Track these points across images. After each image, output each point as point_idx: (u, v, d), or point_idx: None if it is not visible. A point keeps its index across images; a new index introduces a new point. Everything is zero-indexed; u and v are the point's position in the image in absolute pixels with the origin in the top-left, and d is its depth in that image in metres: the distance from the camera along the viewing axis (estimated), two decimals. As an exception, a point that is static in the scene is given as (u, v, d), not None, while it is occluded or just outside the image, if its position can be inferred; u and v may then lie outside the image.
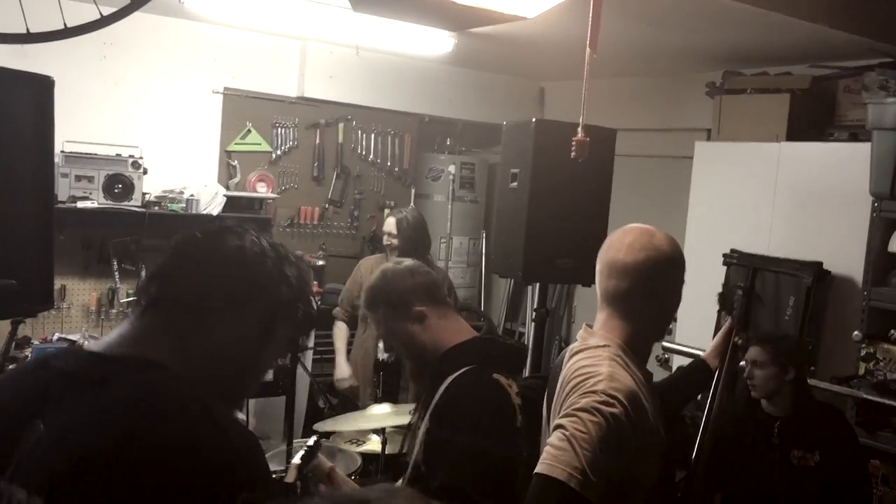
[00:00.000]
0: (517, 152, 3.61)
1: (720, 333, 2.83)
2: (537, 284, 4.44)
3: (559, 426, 1.71)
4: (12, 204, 2.19)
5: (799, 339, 3.58)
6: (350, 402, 4.21)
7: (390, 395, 3.69)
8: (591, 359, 1.80)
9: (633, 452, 1.71)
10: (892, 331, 3.51)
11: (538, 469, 1.67)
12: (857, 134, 4.00)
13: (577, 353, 1.85)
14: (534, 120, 3.54)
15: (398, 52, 5.05)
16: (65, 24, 1.93)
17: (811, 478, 3.01)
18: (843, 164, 3.89)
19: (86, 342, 3.88)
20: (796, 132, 4.20)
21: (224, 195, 4.68)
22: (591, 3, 1.65)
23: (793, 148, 4.15)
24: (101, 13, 1.94)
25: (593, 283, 3.68)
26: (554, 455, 1.66)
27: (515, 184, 3.58)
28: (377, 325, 2.15)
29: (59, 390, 1.11)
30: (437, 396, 1.95)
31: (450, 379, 1.96)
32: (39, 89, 2.25)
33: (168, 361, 1.16)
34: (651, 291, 1.84)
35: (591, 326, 1.91)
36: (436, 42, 4.53)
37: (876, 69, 3.62)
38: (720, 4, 3.24)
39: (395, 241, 4.24)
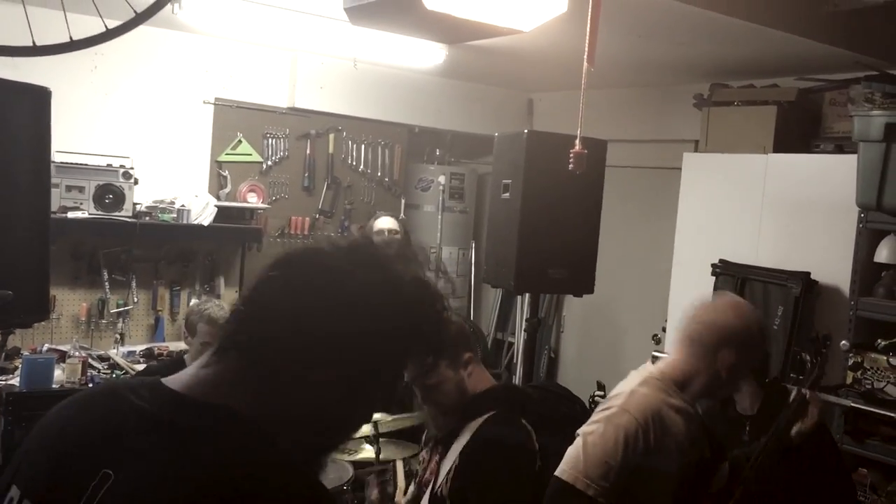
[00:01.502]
0: (509, 163, 3.64)
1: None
2: (527, 294, 4.49)
3: (577, 434, 2.00)
4: (9, 214, 2.19)
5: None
6: None
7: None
8: (627, 381, 2.12)
9: (642, 461, 1.90)
10: (880, 340, 3.55)
11: (556, 471, 1.92)
12: (842, 146, 4.05)
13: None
14: (525, 131, 3.57)
15: (389, 63, 5.07)
16: (70, 38, 1.94)
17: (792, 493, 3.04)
18: (830, 175, 3.94)
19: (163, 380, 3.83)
20: (783, 144, 4.25)
21: (215, 205, 4.69)
22: (589, 18, 1.68)
23: (780, 159, 4.20)
24: (106, 26, 1.95)
25: (585, 293, 3.72)
26: (566, 459, 1.93)
27: (507, 194, 3.61)
28: (419, 374, 2.09)
29: (136, 433, 0.98)
30: (466, 436, 2.02)
31: (479, 421, 2.03)
32: (37, 100, 2.26)
33: (252, 414, 0.99)
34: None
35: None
36: (427, 54, 4.57)
37: (861, 82, 3.66)
38: (708, 18, 3.28)
39: (395, 239, 4.25)
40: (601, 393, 3.91)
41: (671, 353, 2.21)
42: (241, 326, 1.04)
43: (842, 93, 4.14)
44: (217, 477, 0.92)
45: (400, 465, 2.22)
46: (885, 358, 3.47)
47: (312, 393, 1.01)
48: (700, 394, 2.17)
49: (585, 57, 1.68)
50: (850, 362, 3.56)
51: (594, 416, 2.03)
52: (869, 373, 3.52)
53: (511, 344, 6.19)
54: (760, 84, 4.55)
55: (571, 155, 1.85)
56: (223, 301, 4.84)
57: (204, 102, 4.96)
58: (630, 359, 5.35)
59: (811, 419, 2.63)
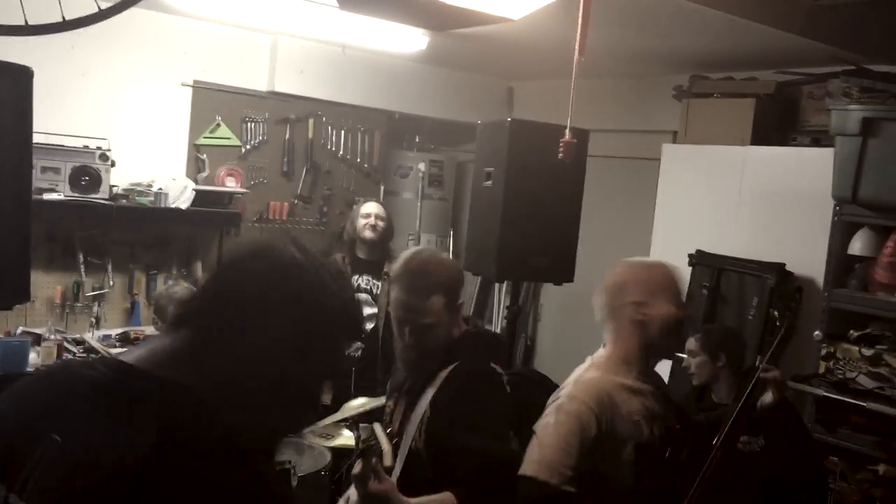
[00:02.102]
0: (491, 151, 3.65)
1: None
2: (505, 283, 4.51)
3: (533, 430, 2.01)
4: (-9, 196, 2.17)
5: (728, 328, 3.70)
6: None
7: (367, 391, 3.71)
8: (574, 372, 2.16)
9: (599, 444, 1.90)
10: (852, 331, 3.62)
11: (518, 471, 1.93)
12: (819, 139, 4.11)
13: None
14: (508, 120, 3.58)
15: (371, 48, 5.05)
16: (63, 17, 1.92)
17: (757, 461, 3.11)
18: (806, 168, 4.00)
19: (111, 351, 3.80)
20: (761, 136, 4.30)
21: (193, 189, 4.65)
22: (581, 9, 1.69)
23: (757, 151, 4.25)
24: (99, 7, 1.93)
25: (565, 281, 3.74)
26: (526, 458, 1.95)
27: (489, 182, 3.62)
28: (413, 307, 2.12)
29: (83, 400, 1.07)
30: (436, 384, 2.02)
31: (448, 369, 2.03)
32: (18, 80, 2.24)
33: (195, 383, 1.10)
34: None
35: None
36: (410, 40, 4.55)
37: (840, 76, 3.72)
38: (690, 9, 3.31)
39: (381, 224, 4.31)
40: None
41: (608, 339, 2.23)
42: (190, 306, 1.22)
43: (819, 87, 4.20)
44: (154, 443, 1.00)
45: (379, 428, 2.22)
46: (857, 349, 3.54)
47: (245, 353, 1.13)
48: (645, 356, 2.17)
49: (577, 47, 1.69)
50: (823, 352, 3.63)
51: (546, 410, 2.04)
52: (841, 363, 3.58)
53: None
54: (740, 76, 4.60)
55: (561, 144, 1.86)
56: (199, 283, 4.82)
57: (182, 85, 4.91)
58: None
59: (773, 394, 2.71)
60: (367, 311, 4.26)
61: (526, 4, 1.93)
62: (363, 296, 4.32)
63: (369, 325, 4.25)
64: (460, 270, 2.30)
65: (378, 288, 4.33)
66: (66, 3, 1.94)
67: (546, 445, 1.94)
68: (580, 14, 1.69)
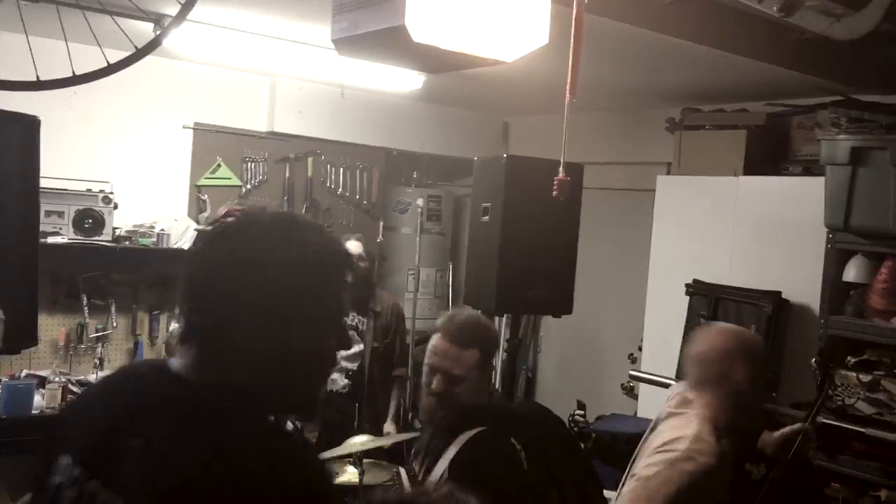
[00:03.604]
0: (488, 187, 3.71)
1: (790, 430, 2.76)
2: (505, 316, 4.54)
3: (635, 476, 2.03)
4: (0, 243, 2.22)
5: None
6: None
7: (348, 428, 3.77)
8: (677, 425, 2.15)
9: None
10: (849, 357, 3.65)
11: None
12: (810, 168, 4.17)
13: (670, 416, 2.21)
14: (505, 156, 3.65)
15: (368, 88, 5.14)
16: (73, 72, 1.98)
17: (759, 490, 3.13)
18: (799, 197, 4.06)
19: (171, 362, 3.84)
20: (753, 166, 4.37)
21: (195, 230, 4.70)
22: (571, 51, 1.75)
23: (750, 182, 4.32)
24: (107, 61, 1.99)
25: (564, 313, 3.77)
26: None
27: (487, 217, 3.68)
28: (451, 358, 2.17)
29: (155, 409, 1.18)
30: (453, 449, 2.06)
31: (472, 433, 2.06)
32: (26, 129, 2.30)
33: (220, 383, 1.18)
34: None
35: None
36: (406, 80, 4.64)
37: (828, 107, 3.79)
38: (678, 45, 3.39)
39: (362, 263, 4.32)
40: (581, 412, 3.98)
41: (695, 398, 2.22)
42: (190, 306, 1.24)
43: (809, 117, 4.28)
44: (220, 447, 1.11)
45: (404, 473, 2.26)
46: (854, 374, 3.57)
47: (251, 347, 1.18)
48: (731, 421, 2.19)
49: (568, 88, 1.76)
50: (819, 379, 3.65)
51: (652, 458, 2.04)
52: (840, 389, 3.61)
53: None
54: (730, 108, 4.68)
55: (555, 182, 1.91)
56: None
57: (183, 127, 4.99)
58: (607, 378, 5.43)
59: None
60: (354, 348, 4.31)
61: (519, 48, 1.99)
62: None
63: (355, 364, 4.29)
64: (498, 336, 2.36)
65: (364, 324, 4.36)
66: (74, 53, 2.01)
67: (655, 498, 1.95)
68: (570, 56, 1.75)
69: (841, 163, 3.57)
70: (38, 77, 2.00)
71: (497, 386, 5.21)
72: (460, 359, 2.17)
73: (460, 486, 1.99)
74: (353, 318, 4.37)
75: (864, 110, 3.60)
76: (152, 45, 2.06)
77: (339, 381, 4.23)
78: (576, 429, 3.60)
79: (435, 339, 2.22)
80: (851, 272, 3.74)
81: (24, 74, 2.10)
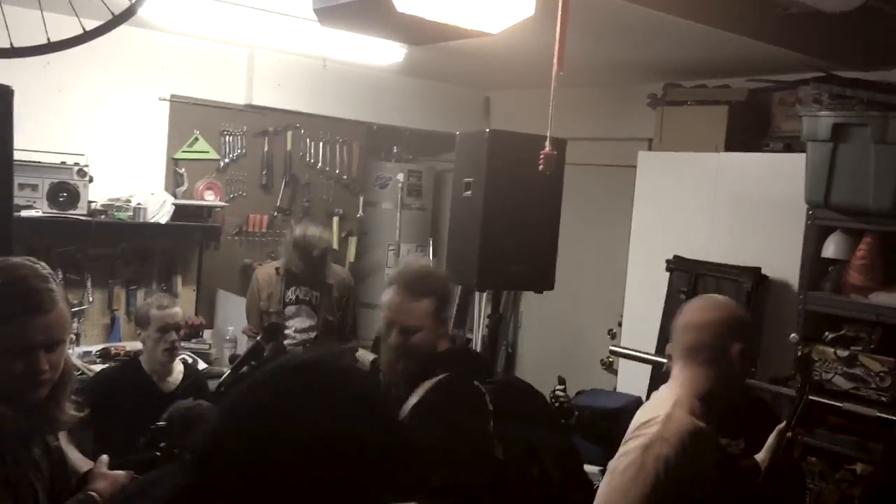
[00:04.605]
0: (471, 162, 3.68)
1: (773, 434, 2.67)
2: (486, 291, 4.54)
3: (610, 468, 1.96)
4: (-28, 215, 2.16)
5: None
6: None
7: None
8: (654, 404, 2.08)
9: (675, 488, 1.89)
10: (827, 333, 3.68)
11: None
12: (791, 144, 4.18)
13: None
14: (487, 130, 3.62)
15: (348, 61, 5.07)
16: (48, 39, 1.92)
17: (738, 465, 3.15)
18: (779, 173, 4.07)
19: None
20: (734, 142, 4.37)
21: (172, 203, 4.64)
22: (559, 23, 1.73)
23: (731, 158, 4.32)
24: (83, 28, 1.94)
25: (545, 289, 3.76)
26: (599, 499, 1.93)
27: (469, 192, 3.66)
28: (404, 310, 2.16)
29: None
30: (418, 394, 2.04)
31: (433, 381, 2.04)
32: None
33: None
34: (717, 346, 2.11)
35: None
36: (387, 52, 4.58)
37: (810, 83, 3.79)
38: (663, 19, 3.36)
39: (320, 244, 4.27)
40: (562, 388, 3.98)
41: (680, 370, 2.15)
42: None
43: (790, 93, 4.28)
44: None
45: (362, 353, 2.27)
46: (832, 350, 3.60)
47: None
48: (721, 396, 2.13)
49: (556, 61, 1.73)
50: (800, 355, 3.68)
51: (625, 447, 1.97)
52: (817, 364, 3.64)
53: (469, 340, 6.24)
54: (712, 84, 4.67)
55: (541, 156, 1.89)
56: (180, 299, 4.82)
57: (160, 99, 4.91)
58: (587, 354, 5.44)
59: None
60: (307, 321, 4.30)
61: (504, 19, 1.96)
62: (300, 307, 4.35)
63: (312, 335, 4.30)
64: (452, 285, 2.34)
65: (317, 298, 4.35)
66: (49, 23, 1.95)
67: (631, 490, 1.88)
68: (557, 29, 1.73)
69: (822, 139, 3.58)
70: (11, 44, 1.94)
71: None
72: (414, 309, 2.16)
73: (422, 430, 1.98)
74: (306, 293, 4.35)
75: (846, 86, 3.60)
76: (129, 13, 2.01)
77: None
78: (556, 404, 3.59)
79: (388, 293, 2.21)
80: (830, 248, 3.75)
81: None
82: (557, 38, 1.70)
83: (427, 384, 2.07)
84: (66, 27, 2.07)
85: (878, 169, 3.42)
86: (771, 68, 4.29)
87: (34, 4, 2.08)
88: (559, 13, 1.71)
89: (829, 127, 3.54)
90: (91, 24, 1.94)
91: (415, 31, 2.10)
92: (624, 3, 3.14)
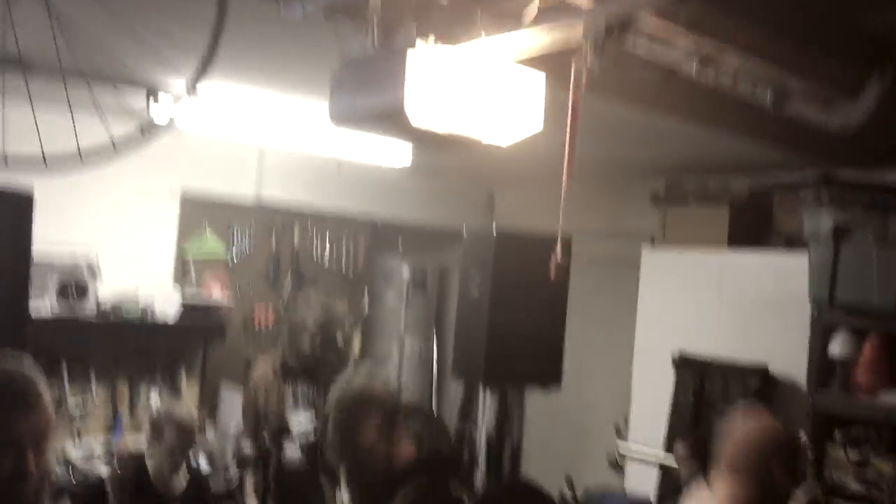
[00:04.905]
0: (477, 260, 3.72)
1: None
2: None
3: None
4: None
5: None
6: None
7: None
8: None
9: None
10: (837, 433, 3.65)
11: None
12: (793, 243, 4.24)
13: None
14: (495, 232, 3.68)
15: (358, 163, 5.16)
16: (80, 154, 1.98)
17: None
18: (783, 271, 4.10)
19: None
20: (737, 240, 4.43)
21: (181, 304, 4.63)
22: (567, 138, 1.79)
23: (734, 256, 4.37)
24: (113, 144, 2.00)
25: (552, 386, 3.74)
26: None
27: (475, 290, 3.68)
28: (359, 433, 2.14)
29: None
30: None
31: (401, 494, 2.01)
32: (19, 206, 2.28)
33: None
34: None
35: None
36: (397, 156, 4.69)
37: (810, 184, 3.87)
38: (660, 121, 3.45)
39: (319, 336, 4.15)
40: (570, 491, 3.94)
41: (720, 486, 2.21)
42: None
43: (791, 193, 4.35)
44: None
45: None
46: (843, 453, 3.57)
47: None
48: None
49: (565, 173, 1.78)
50: (812, 457, 3.64)
51: None
52: (832, 467, 3.61)
53: (474, 435, 6.16)
54: (713, 181, 4.75)
55: (552, 265, 1.93)
56: (183, 395, 4.78)
57: (170, 194, 4.97)
58: (593, 451, 5.36)
59: None
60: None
61: (514, 133, 2.03)
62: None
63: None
64: (394, 394, 2.31)
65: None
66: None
67: None
68: (567, 144, 1.78)
69: (824, 239, 3.63)
70: (44, 160, 2.00)
71: (482, 455, 5.14)
72: (362, 435, 2.13)
73: None
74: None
75: (846, 187, 3.68)
76: (161, 126, 2.07)
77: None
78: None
79: (331, 427, 2.18)
80: (836, 348, 3.75)
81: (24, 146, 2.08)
82: (567, 153, 1.75)
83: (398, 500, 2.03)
84: (89, 129, 2.12)
85: (881, 269, 3.46)
86: (772, 166, 4.38)
87: (57, 110, 2.13)
88: (568, 130, 1.77)
89: (831, 227, 3.59)
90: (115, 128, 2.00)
91: (428, 140, 2.16)
92: (618, 105, 3.22)
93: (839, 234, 3.59)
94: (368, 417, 2.12)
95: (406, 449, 2.17)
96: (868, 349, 3.63)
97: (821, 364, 3.80)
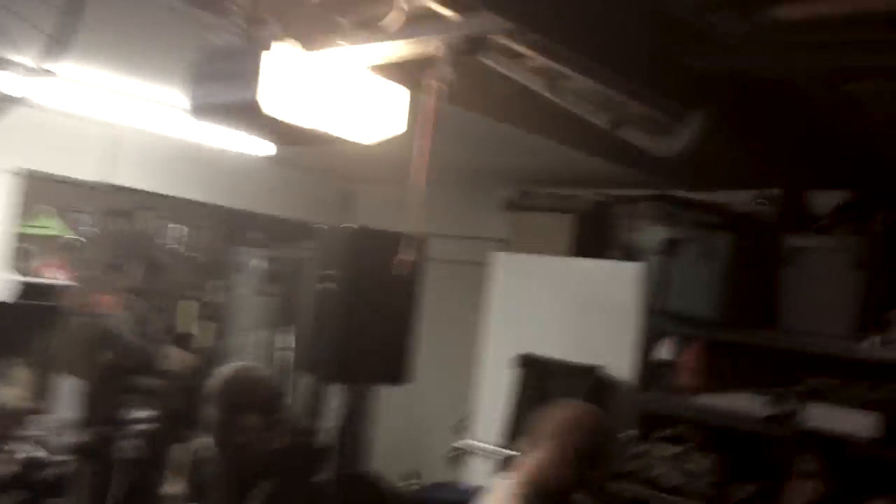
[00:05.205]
0: (331, 254, 3.74)
1: None
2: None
3: None
4: None
5: None
6: None
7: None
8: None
9: None
10: (660, 431, 3.95)
11: None
12: (630, 254, 4.53)
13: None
14: (350, 226, 3.72)
15: (220, 149, 5.08)
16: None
17: None
18: (620, 279, 4.37)
19: None
20: (581, 248, 4.69)
21: (17, 282, 4.42)
22: (421, 141, 1.88)
23: (577, 263, 4.62)
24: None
25: (403, 382, 3.86)
26: None
27: (328, 285, 3.71)
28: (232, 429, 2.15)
29: None
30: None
31: (268, 484, 2.05)
32: None
33: None
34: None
35: None
36: (261, 145, 4.65)
37: (647, 201, 4.17)
38: (520, 134, 3.62)
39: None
40: (415, 482, 4.06)
41: (532, 453, 2.44)
42: None
43: (630, 207, 4.66)
44: None
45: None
46: (664, 447, 3.87)
47: None
48: (559, 485, 2.36)
49: (415, 178, 1.87)
50: (633, 451, 3.93)
51: None
52: (651, 460, 3.89)
53: (322, 430, 6.17)
54: (562, 192, 5.00)
55: (398, 261, 2.01)
56: (19, 382, 4.55)
57: (11, 172, 4.72)
58: (436, 447, 5.51)
59: None
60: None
61: (377, 133, 2.11)
62: None
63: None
64: (276, 385, 2.37)
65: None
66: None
67: None
68: (416, 147, 1.87)
69: (657, 252, 3.92)
70: None
71: (331, 456, 5.17)
72: (244, 425, 2.20)
73: None
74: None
75: (678, 206, 3.99)
76: (6, 103, 1.99)
77: None
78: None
79: (212, 409, 2.22)
80: (663, 351, 4.07)
81: None
82: (419, 156, 1.84)
83: (262, 489, 2.07)
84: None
85: (705, 281, 3.78)
86: (615, 183, 4.67)
87: None
88: (421, 134, 1.86)
89: (663, 241, 3.89)
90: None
91: (286, 134, 2.19)
92: (476, 115, 3.36)
93: (670, 248, 3.89)
94: (253, 401, 2.16)
95: (280, 438, 2.22)
96: (691, 354, 3.95)
97: (649, 367, 4.10)
